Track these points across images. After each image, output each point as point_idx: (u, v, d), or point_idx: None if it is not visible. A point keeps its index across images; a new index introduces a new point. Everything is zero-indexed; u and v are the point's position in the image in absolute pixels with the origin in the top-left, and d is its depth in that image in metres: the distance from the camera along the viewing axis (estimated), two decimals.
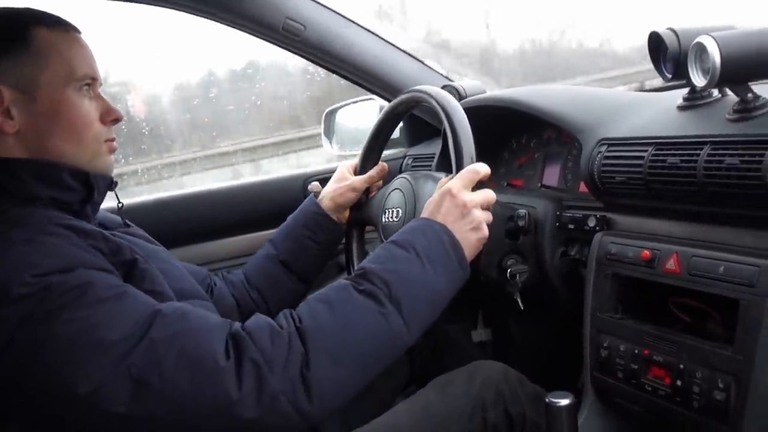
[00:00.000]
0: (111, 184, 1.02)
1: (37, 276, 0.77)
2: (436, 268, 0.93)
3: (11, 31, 0.92)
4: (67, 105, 0.93)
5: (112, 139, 1.00)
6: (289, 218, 1.37)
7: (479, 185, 1.03)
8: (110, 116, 0.99)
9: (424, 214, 1.01)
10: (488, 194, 1.02)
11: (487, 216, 1.02)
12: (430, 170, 1.57)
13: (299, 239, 1.32)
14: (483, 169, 1.03)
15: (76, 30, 0.98)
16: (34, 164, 0.91)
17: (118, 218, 1.12)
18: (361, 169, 1.37)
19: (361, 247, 1.37)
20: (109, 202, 1.04)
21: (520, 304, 1.21)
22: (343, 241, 1.38)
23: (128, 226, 1.13)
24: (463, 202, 0.98)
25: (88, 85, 0.96)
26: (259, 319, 0.86)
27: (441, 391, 1.09)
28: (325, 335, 0.84)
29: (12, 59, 0.90)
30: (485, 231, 1.00)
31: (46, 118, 0.92)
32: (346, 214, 1.36)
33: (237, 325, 0.85)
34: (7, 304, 0.76)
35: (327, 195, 1.35)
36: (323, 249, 1.34)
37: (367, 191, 1.36)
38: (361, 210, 1.36)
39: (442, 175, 1.17)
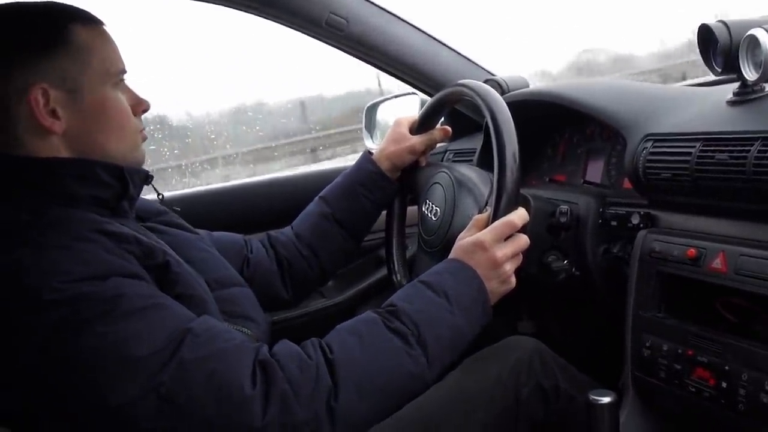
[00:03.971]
0: (147, 178, 1.02)
1: (68, 282, 0.77)
2: (463, 313, 0.96)
3: (51, 29, 0.91)
4: (110, 102, 0.94)
5: (143, 129, 1.01)
6: (343, 176, 1.35)
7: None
8: (140, 107, 1.00)
9: (456, 254, 1.02)
10: (520, 243, 1.03)
11: (517, 262, 1.03)
12: (471, 164, 1.56)
13: (356, 198, 1.32)
14: (519, 220, 1.02)
15: (103, 24, 0.97)
16: (65, 162, 0.90)
17: (155, 206, 1.13)
18: (419, 128, 1.33)
19: (401, 227, 1.36)
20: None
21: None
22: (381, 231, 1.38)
23: (175, 210, 1.15)
24: (494, 257, 1.00)
25: (121, 79, 0.97)
26: (288, 347, 0.87)
27: (472, 371, 1.08)
28: (355, 369, 0.86)
29: (54, 59, 0.89)
30: (513, 282, 1.03)
31: (90, 115, 0.92)
32: (399, 173, 1.35)
33: (265, 349, 0.86)
34: (38, 310, 0.76)
35: (384, 154, 1.32)
36: (378, 207, 1.35)
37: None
38: (410, 177, 1.35)
39: (483, 186, 1.15)
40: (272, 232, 1.35)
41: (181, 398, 0.77)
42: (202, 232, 1.21)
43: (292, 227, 1.35)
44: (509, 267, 1.02)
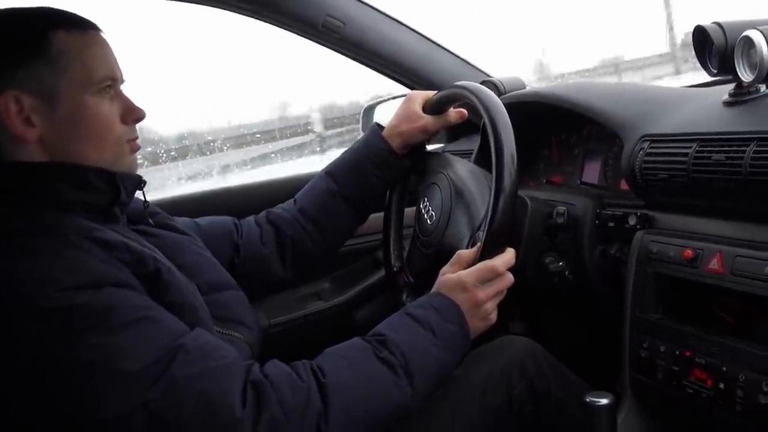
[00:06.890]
0: (139, 184, 1.01)
1: (61, 291, 0.77)
2: (447, 346, 0.98)
3: (29, 37, 0.89)
4: (87, 109, 0.91)
5: (135, 138, 0.98)
6: (351, 153, 1.32)
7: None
8: (132, 115, 0.97)
9: (440, 289, 1.04)
10: (502, 284, 1.03)
11: (499, 299, 1.04)
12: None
13: (366, 176, 1.29)
14: (502, 266, 1.02)
15: (95, 28, 0.95)
16: (58, 167, 0.90)
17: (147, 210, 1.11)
18: (432, 108, 1.30)
19: (400, 213, 1.35)
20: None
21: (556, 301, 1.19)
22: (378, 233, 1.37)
23: (156, 214, 1.13)
24: (475, 298, 1.01)
25: (108, 86, 0.94)
26: (279, 367, 0.87)
27: (464, 369, 1.07)
28: (346, 394, 0.86)
29: (30, 66, 0.88)
30: (493, 319, 1.04)
31: (66, 123, 0.90)
32: (408, 149, 1.32)
33: (256, 368, 0.85)
34: (33, 318, 0.76)
35: (396, 131, 1.29)
36: (387, 185, 1.33)
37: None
38: (417, 160, 1.33)
39: (480, 201, 1.14)
40: (274, 209, 1.32)
41: (169, 416, 0.77)
42: (187, 220, 1.20)
43: (295, 201, 1.33)
44: (490, 306, 1.03)
